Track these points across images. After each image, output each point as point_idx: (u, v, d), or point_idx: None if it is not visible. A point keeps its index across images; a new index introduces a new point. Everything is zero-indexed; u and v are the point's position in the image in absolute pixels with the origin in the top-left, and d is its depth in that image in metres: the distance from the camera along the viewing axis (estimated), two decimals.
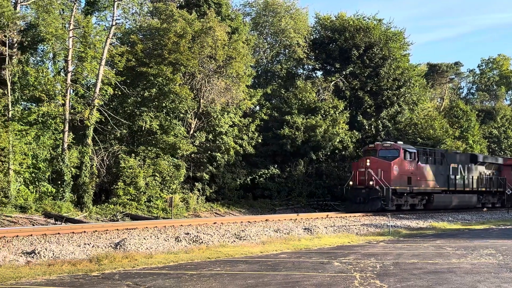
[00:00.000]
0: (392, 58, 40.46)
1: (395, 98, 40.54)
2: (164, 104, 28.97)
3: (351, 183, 28.94)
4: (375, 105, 39.89)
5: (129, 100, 28.89)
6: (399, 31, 42.82)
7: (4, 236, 14.72)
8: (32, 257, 12.41)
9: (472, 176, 35.52)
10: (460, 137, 48.03)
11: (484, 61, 66.52)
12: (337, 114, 36.83)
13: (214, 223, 20.49)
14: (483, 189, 36.80)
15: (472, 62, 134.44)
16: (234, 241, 16.40)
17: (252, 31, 38.80)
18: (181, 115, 30.17)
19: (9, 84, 24.91)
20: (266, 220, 22.47)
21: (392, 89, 40.21)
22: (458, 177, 34.13)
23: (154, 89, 28.89)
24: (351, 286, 9.64)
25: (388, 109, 40.47)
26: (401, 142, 31.86)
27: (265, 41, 40.20)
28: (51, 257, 12.43)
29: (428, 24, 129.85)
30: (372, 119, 39.77)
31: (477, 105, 61.56)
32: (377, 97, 39.89)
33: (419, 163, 30.62)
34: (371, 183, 28.03)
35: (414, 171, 30.05)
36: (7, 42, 25.32)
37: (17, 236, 14.98)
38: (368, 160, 28.70)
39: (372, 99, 39.66)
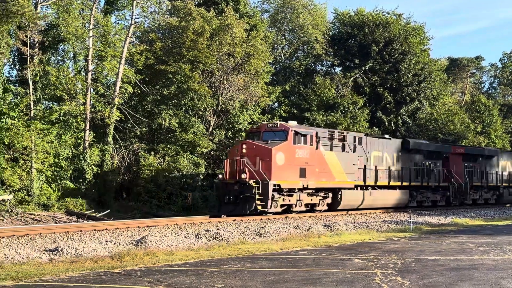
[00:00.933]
0: (412, 53, 40.09)
1: (415, 94, 40.16)
2: (183, 102, 29.14)
3: (220, 176, 22.10)
4: (395, 101, 39.58)
5: (148, 98, 29.10)
6: (419, 25, 42.47)
7: (28, 234, 14.94)
8: (55, 254, 12.57)
9: (403, 167, 28.55)
10: (482, 132, 47.42)
11: (506, 54, 65.43)
12: (357, 110, 36.61)
13: (234, 220, 20.51)
14: (419, 183, 29.70)
15: (494, 56, 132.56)
16: (254, 238, 16.41)
17: (270, 28, 38.77)
18: (200, 112, 30.31)
19: (31, 83, 25.27)
20: (286, 217, 22.43)
21: (412, 85, 39.84)
22: (381, 168, 27.15)
23: (173, 87, 29.05)
24: (372, 282, 9.57)
25: (408, 105, 40.10)
26: (295, 122, 24.39)
27: (283, 37, 40.14)
28: (74, 254, 12.58)
29: (448, 19, 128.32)
30: (392, 115, 39.45)
31: (499, 99, 60.65)
32: (396, 93, 39.57)
33: (320, 149, 23.47)
34: (243, 176, 20.96)
35: (310, 160, 22.81)
36: (29, 42, 25.68)
37: (40, 233, 15.19)
38: (244, 146, 21.61)
39: (391, 95, 39.35)
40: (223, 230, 16.90)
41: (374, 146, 27.11)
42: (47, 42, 27.64)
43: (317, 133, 23.60)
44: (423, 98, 40.87)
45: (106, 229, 16.62)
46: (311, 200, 23.49)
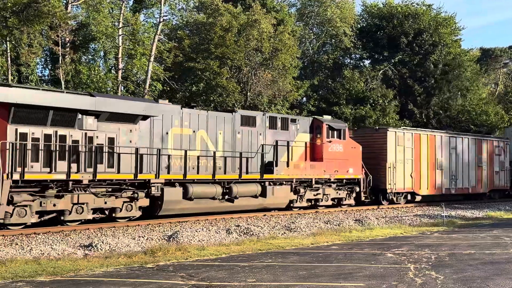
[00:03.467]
0: (442, 44, 39.40)
1: (446, 85, 39.48)
2: (212, 98, 29.27)
3: None
4: (426, 92, 38.98)
5: (177, 95, 29.32)
6: (449, 16, 41.66)
7: (62, 231, 15.24)
8: (90, 250, 12.79)
9: None
10: None
11: None
12: (387, 103, 36.20)
13: (264, 215, 20.54)
14: None
15: None
16: (284, 233, 16.40)
17: (298, 22, 38.58)
18: (229, 108, 30.39)
19: (63, 82, 25.74)
20: (316, 211, 22.37)
21: (443, 76, 39.18)
22: None
23: (202, 84, 29.20)
24: (406, 277, 9.47)
25: (439, 96, 39.46)
26: None
27: (311, 31, 39.91)
28: (108, 249, 12.77)
29: (480, 8, 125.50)
30: (423, 108, 38.89)
31: None
32: (427, 85, 38.97)
33: None
34: None
35: None
36: (60, 41, 26.15)
37: (75, 230, 15.47)
38: None
39: (422, 86, 38.77)
40: (254, 225, 16.93)
41: None
42: (78, 42, 28.11)
43: None
44: (454, 89, 40.13)
45: (138, 225, 16.84)
46: None
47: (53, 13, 23.72)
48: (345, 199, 23.96)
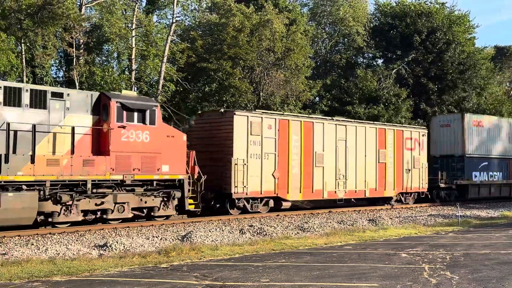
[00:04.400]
0: (456, 43, 39.08)
1: (460, 84, 39.16)
2: (224, 98, 29.33)
3: None
4: (439, 91, 38.70)
5: (190, 96, 29.42)
6: (463, 14, 41.33)
7: (78, 231, 15.37)
8: (104, 250, 12.89)
9: None
10: None
11: None
12: (400, 103, 35.99)
13: (277, 215, 20.55)
14: None
15: None
16: (297, 233, 16.41)
17: (310, 22, 38.51)
18: (241, 108, 30.43)
19: (77, 84, 25.94)
20: (329, 211, 22.32)
21: (456, 74, 38.86)
22: None
23: (215, 84, 29.26)
24: (420, 277, 9.42)
25: (453, 95, 39.14)
26: None
27: (323, 31, 39.81)
28: (122, 249, 12.87)
29: (494, 5, 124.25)
30: (436, 107, 38.60)
31: None
32: (441, 84, 38.68)
33: None
34: None
35: None
36: (74, 43, 26.36)
37: (90, 230, 15.60)
38: None
39: (436, 85, 38.50)
40: (267, 226, 16.95)
41: None
42: (92, 43, 28.31)
43: None
44: (468, 88, 39.78)
45: (152, 225, 16.93)
46: None
47: (67, 15, 23.91)
48: (160, 209, 17.39)
